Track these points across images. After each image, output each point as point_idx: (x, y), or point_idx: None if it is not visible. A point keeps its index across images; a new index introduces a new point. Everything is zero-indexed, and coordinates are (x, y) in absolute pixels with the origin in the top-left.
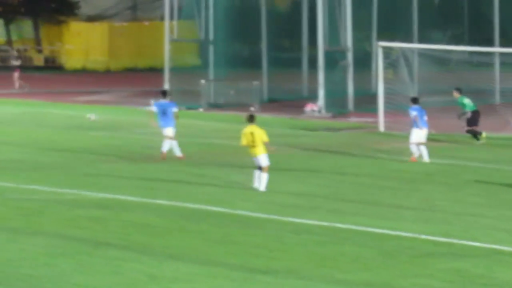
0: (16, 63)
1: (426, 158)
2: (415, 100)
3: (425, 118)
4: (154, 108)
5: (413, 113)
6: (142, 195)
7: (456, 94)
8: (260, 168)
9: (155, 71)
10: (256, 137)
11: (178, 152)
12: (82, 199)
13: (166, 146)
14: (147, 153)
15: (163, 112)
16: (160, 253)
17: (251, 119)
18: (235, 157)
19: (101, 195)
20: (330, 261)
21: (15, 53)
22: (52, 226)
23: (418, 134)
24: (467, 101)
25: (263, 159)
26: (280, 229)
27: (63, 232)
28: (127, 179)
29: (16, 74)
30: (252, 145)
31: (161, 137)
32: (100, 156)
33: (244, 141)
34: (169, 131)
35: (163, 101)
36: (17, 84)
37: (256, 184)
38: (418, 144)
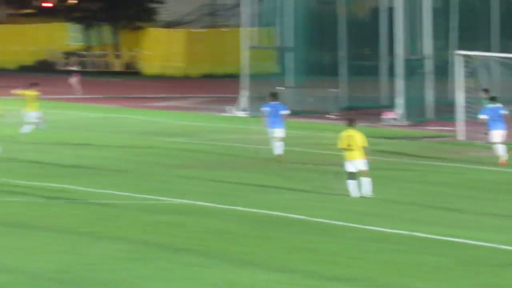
0: (74, 68)
1: (500, 153)
2: (492, 99)
3: (502, 113)
4: (266, 109)
5: (482, 116)
6: (220, 201)
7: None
8: (351, 175)
9: (233, 78)
10: (354, 141)
11: (280, 151)
12: (161, 204)
13: (278, 148)
14: (225, 159)
15: (273, 114)
16: (239, 259)
17: (350, 123)
18: (314, 164)
19: (180, 201)
20: (409, 270)
21: (72, 59)
22: (131, 231)
23: (494, 135)
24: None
25: (360, 164)
26: (358, 237)
27: (142, 237)
28: (205, 185)
29: (71, 79)
30: (348, 148)
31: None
32: (177, 162)
33: (340, 144)
34: (277, 132)
35: (274, 103)
36: (76, 87)
37: (355, 193)
38: (498, 143)
